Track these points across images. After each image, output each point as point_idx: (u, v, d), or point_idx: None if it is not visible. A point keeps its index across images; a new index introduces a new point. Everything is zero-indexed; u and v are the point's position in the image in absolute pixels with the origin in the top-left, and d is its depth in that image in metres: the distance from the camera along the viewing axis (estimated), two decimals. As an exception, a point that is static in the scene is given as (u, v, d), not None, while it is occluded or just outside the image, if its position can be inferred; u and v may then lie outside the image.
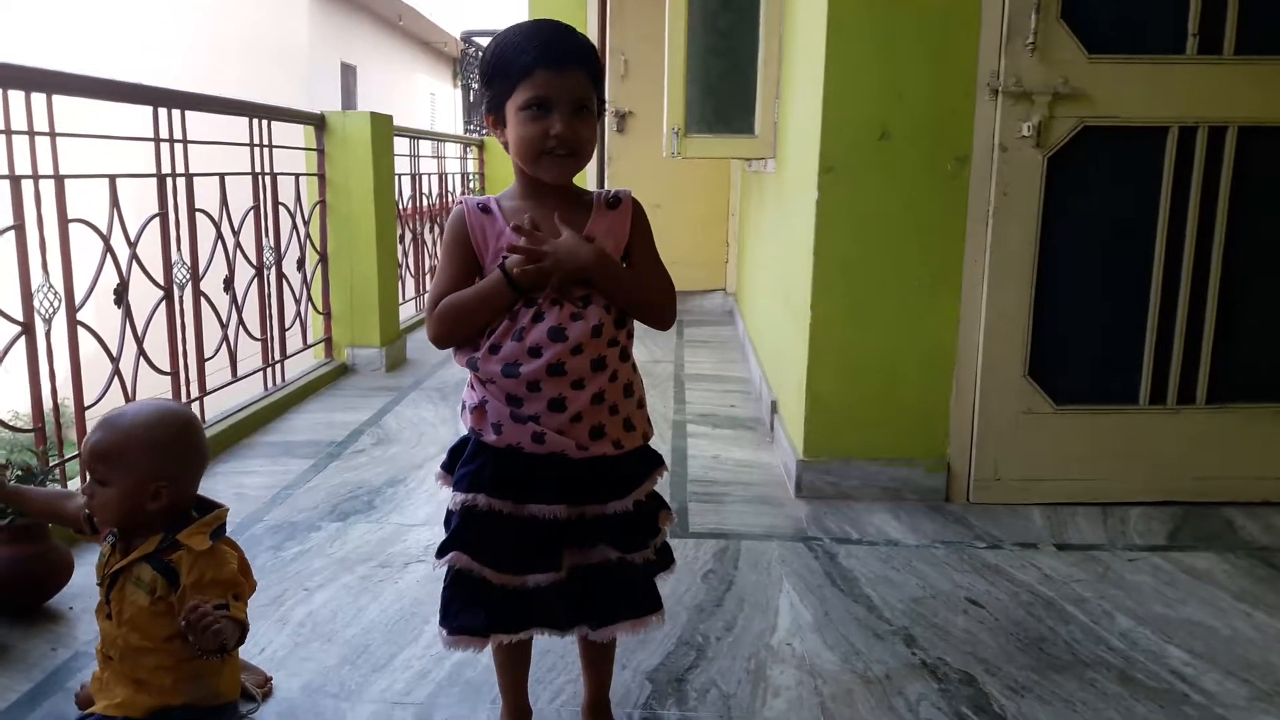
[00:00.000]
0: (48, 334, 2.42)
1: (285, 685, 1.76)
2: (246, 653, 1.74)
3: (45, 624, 1.98)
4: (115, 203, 2.79)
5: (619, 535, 1.45)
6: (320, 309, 4.37)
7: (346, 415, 3.63)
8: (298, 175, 4.14)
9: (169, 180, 3.05)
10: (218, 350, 3.43)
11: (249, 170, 3.70)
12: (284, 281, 3.99)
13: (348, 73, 15.07)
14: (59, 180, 2.49)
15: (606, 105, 1.46)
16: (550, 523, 1.42)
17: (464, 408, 1.48)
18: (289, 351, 4.03)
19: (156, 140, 3.01)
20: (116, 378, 2.78)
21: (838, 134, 2.56)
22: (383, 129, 4.41)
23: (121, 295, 2.81)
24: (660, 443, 1.55)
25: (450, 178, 6.85)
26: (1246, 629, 1.99)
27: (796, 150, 2.99)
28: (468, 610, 1.44)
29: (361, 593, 2.14)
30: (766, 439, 3.31)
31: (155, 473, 1.40)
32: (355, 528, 2.51)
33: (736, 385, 4.12)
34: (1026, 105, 2.50)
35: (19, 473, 2.16)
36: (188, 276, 3.15)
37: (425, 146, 6.25)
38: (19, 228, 2.36)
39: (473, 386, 1.46)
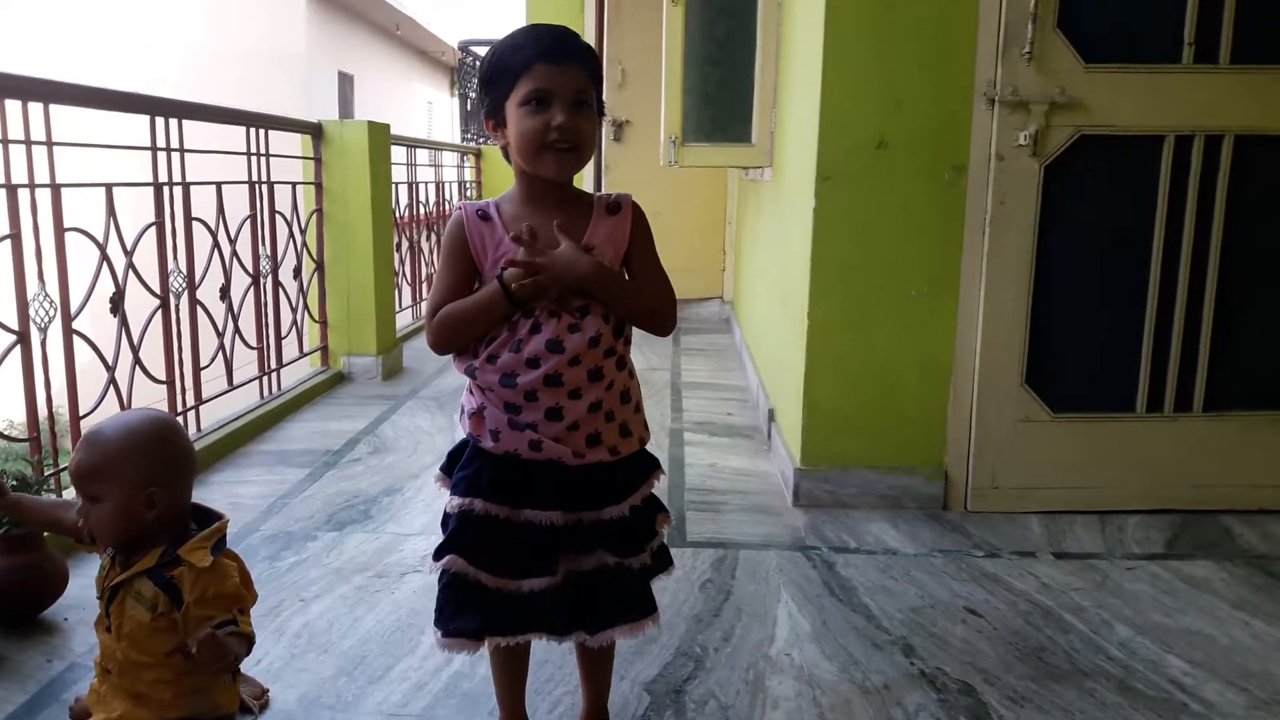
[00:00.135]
0: (43, 343, 2.42)
1: (282, 697, 1.75)
2: (244, 664, 1.72)
3: (40, 635, 1.97)
4: (112, 211, 2.79)
5: (615, 541, 1.45)
6: (317, 317, 4.36)
7: (343, 424, 3.62)
8: (295, 184, 4.14)
9: (165, 189, 3.05)
10: (214, 359, 3.42)
11: (246, 179, 3.69)
12: (280, 290, 3.98)
13: (345, 82, 15.09)
14: (55, 189, 2.49)
15: (605, 112, 1.46)
16: (546, 528, 1.42)
17: (462, 412, 1.48)
18: (285, 360, 4.02)
19: (153, 149, 3.01)
20: (112, 386, 2.77)
21: (835, 143, 2.57)
22: (380, 138, 4.41)
23: (117, 304, 2.80)
24: (657, 451, 1.54)
25: (447, 186, 6.86)
26: (1245, 638, 1.99)
27: (794, 159, 3.00)
28: (463, 613, 1.44)
29: (358, 603, 2.13)
30: (764, 447, 3.30)
31: (143, 480, 1.39)
32: (351, 537, 2.50)
33: (734, 393, 4.11)
34: (1023, 114, 2.50)
35: (13, 482, 2.15)
36: (184, 285, 3.14)
37: (422, 155, 6.25)
38: (15, 237, 2.36)
39: (471, 392, 1.47)
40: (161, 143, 3.03)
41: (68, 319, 2.52)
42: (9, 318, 2.35)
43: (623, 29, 5.99)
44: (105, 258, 2.76)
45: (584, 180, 5.90)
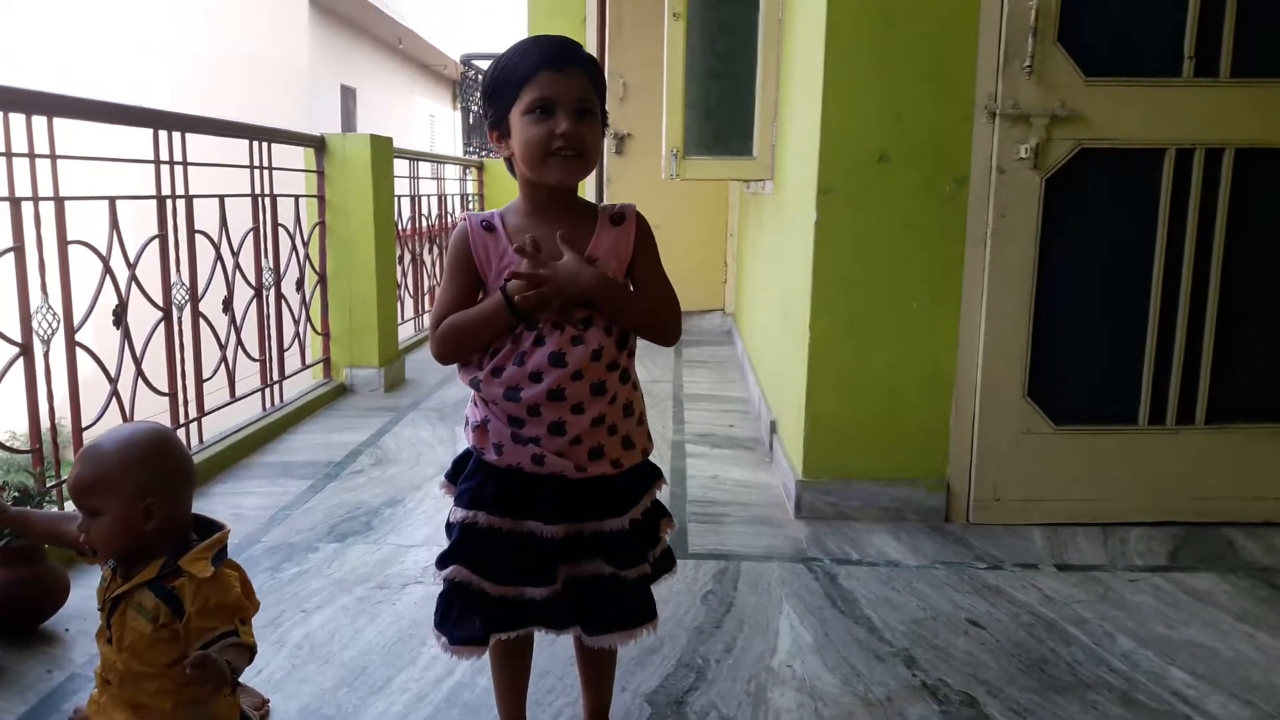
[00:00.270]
0: (46, 355, 2.42)
1: (283, 708, 1.75)
2: (244, 675, 1.72)
3: (41, 646, 1.97)
4: (115, 224, 2.80)
5: (613, 552, 1.46)
6: (319, 329, 4.37)
7: (345, 436, 3.62)
8: (297, 197, 4.15)
9: (169, 202, 3.06)
10: (216, 371, 3.43)
11: (249, 192, 3.71)
12: (283, 302, 3.99)
13: (348, 95, 15.15)
14: (59, 202, 2.50)
15: (609, 122, 1.47)
16: (548, 540, 1.43)
17: (467, 424, 1.49)
18: (287, 372, 4.03)
19: (156, 162, 3.02)
20: (114, 398, 2.78)
21: (836, 156, 2.57)
22: (382, 151, 4.43)
23: (120, 316, 2.81)
24: (659, 463, 1.55)
25: (449, 199, 6.88)
26: (1249, 650, 1.98)
27: (795, 172, 3.01)
28: (467, 619, 1.45)
29: (359, 614, 2.13)
30: (766, 459, 3.30)
31: (141, 491, 1.39)
32: (353, 549, 2.50)
33: (735, 405, 4.11)
34: (1024, 127, 2.51)
35: (16, 494, 2.15)
36: (186, 297, 3.15)
37: (425, 168, 6.28)
38: (19, 249, 2.37)
39: (476, 404, 1.47)
40: (165, 156, 3.04)
41: (70, 331, 2.53)
42: (12, 330, 2.36)
43: (624, 43, 6.02)
44: (108, 270, 2.77)
45: (586, 192, 5.92)
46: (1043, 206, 2.54)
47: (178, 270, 3.11)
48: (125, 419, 2.75)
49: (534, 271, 1.36)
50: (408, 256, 5.73)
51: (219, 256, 3.47)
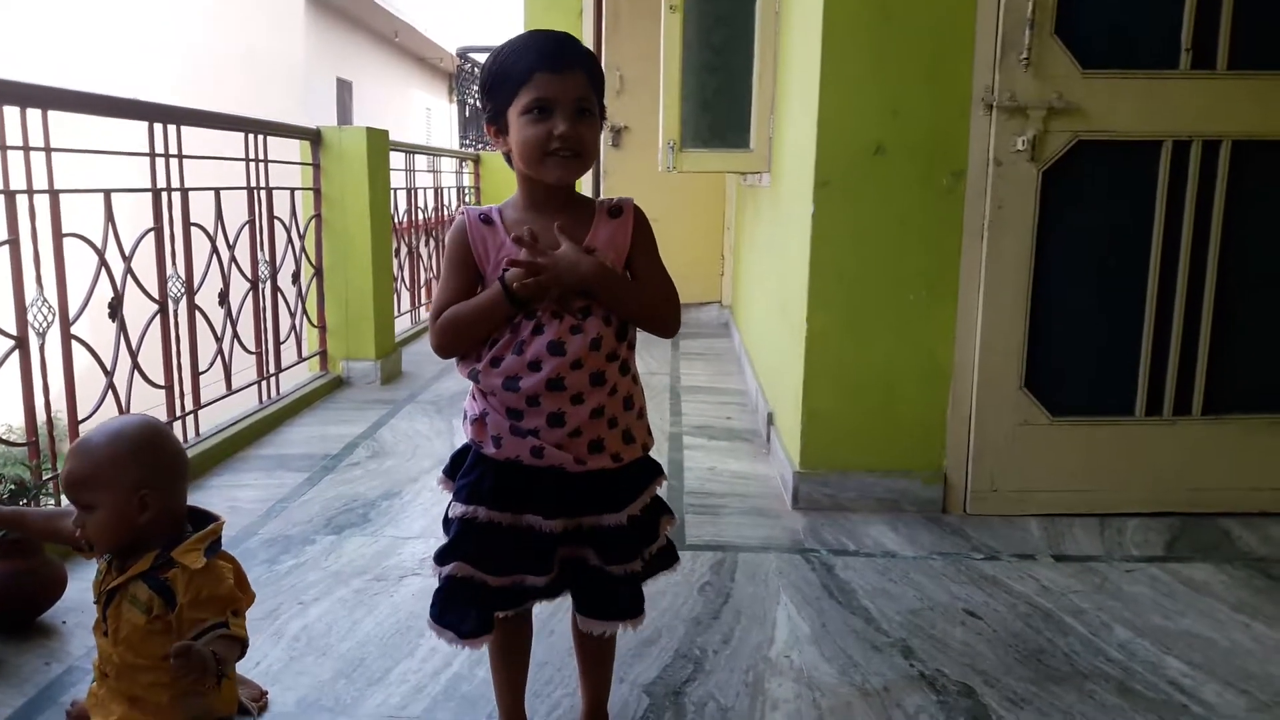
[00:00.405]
0: (41, 348, 2.41)
1: (281, 699, 1.75)
2: (242, 666, 1.73)
3: (38, 639, 1.97)
4: (110, 217, 2.79)
5: (605, 547, 1.46)
6: (315, 322, 4.36)
7: (341, 428, 3.62)
8: (293, 190, 4.14)
9: (164, 195, 3.05)
10: (212, 364, 3.42)
11: (245, 185, 3.70)
12: (279, 295, 3.99)
13: (344, 88, 15.11)
14: (54, 195, 2.49)
15: (606, 115, 1.47)
16: (547, 534, 1.43)
17: (465, 418, 1.49)
18: (284, 365, 4.02)
19: (152, 155, 3.01)
20: (110, 391, 2.77)
21: (833, 149, 2.57)
22: (378, 144, 4.42)
23: (116, 309, 2.80)
24: (657, 455, 1.55)
25: (446, 192, 6.87)
26: (1245, 640, 1.99)
27: (792, 165, 3.00)
28: (471, 613, 1.45)
29: (357, 606, 2.13)
30: (763, 451, 3.30)
31: (135, 483, 1.39)
32: (350, 541, 2.50)
33: (733, 397, 4.11)
34: (1021, 120, 2.51)
35: (12, 487, 2.15)
36: (182, 290, 3.15)
37: (421, 161, 6.26)
38: (13, 242, 2.36)
39: (474, 398, 1.47)
40: (160, 148, 3.03)
41: (66, 324, 2.52)
42: (8, 323, 2.35)
43: (621, 36, 6.01)
44: (104, 263, 2.76)
45: (583, 186, 5.90)
46: (1040, 199, 2.54)
47: (173, 263, 3.10)
48: (121, 412, 2.74)
49: (532, 259, 1.36)
50: (404, 249, 5.73)
51: (215, 249, 3.46)
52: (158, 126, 3.02)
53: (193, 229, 3.21)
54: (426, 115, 20.04)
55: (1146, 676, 1.84)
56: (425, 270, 6.27)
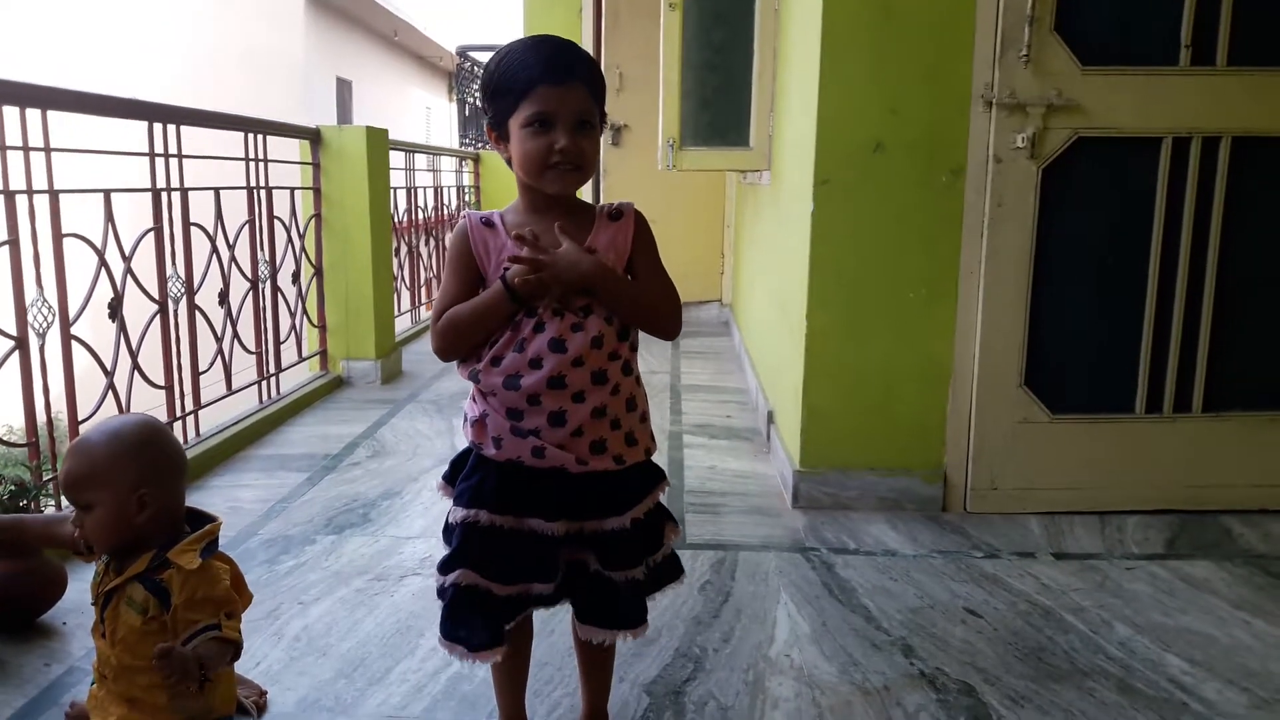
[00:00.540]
0: (41, 348, 2.42)
1: (280, 699, 1.75)
2: (242, 667, 1.73)
3: (39, 639, 1.97)
4: (110, 217, 2.79)
5: (609, 552, 1.46)
6: (315, 322, 4.36)
7: (342, 428, 3.62)
8: (293, 189, 4.14)
9: (164, 194, 3.05)
10: (212, 364, 3.42)
11: (244, 184, 3.70)
12: (279, 295, 3.99)
13: (343, 87, 15.11)
14: (53, 195, 2.49)
15: (606, 120, 1.47)
16: (550, 537, 1.43)
17: (465, 421, 1.48)
18: (284, 365, 4.02)
19: (151, 155, 3.01)
20: (110, 391, 2.77)
21: (832, 147, 2.57)
22: (378, 143, 4.41)
23: (116, 309, 2.81)
24: (657, 454, 1.55)
25: (446, 191, 6.86)
26: (1245, 637, 1.99)
27: (792, 163, 3.00)
28: (480, 626, 1.44)
29: (357, 606, 2.13)
30: (763, 449, 3.30)
31: (134, 483, 1.39)
32: (350, 541, 2.50)
33: (733, 396, 4.11)
34: (1021, 117, 2.51)
35: (12, 488, 2.15)
36: (182, 290, 3.15)
37: (421, 160, 6.26)
38: (13, 243, 2.36)
39: (474, 400, 1.47)
40: (159, 148, 3.03)
41: (66, 324, 2.52)
42: (8, 323, 2.35)
43: (620, 34, 6.00)
44: (103, 263, 2.76)
45: (583, 188, 5.90)
46: (1039, 196, 2.54)
47: (173, 263, 3.10)
48: (121, 412, 2.74)
49: (533, 256, 1.36)
50: (404, 249, 5.73)
51: (215, 249, 3.46)
52: (157, 126, 3.02)
53: (192, 229, 3.21)
54: (426, 114, 20.04)
55: (1147, 674, 1.84)
56: (425, 269, 6.27)
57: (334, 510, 2.72)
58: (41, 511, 2.47)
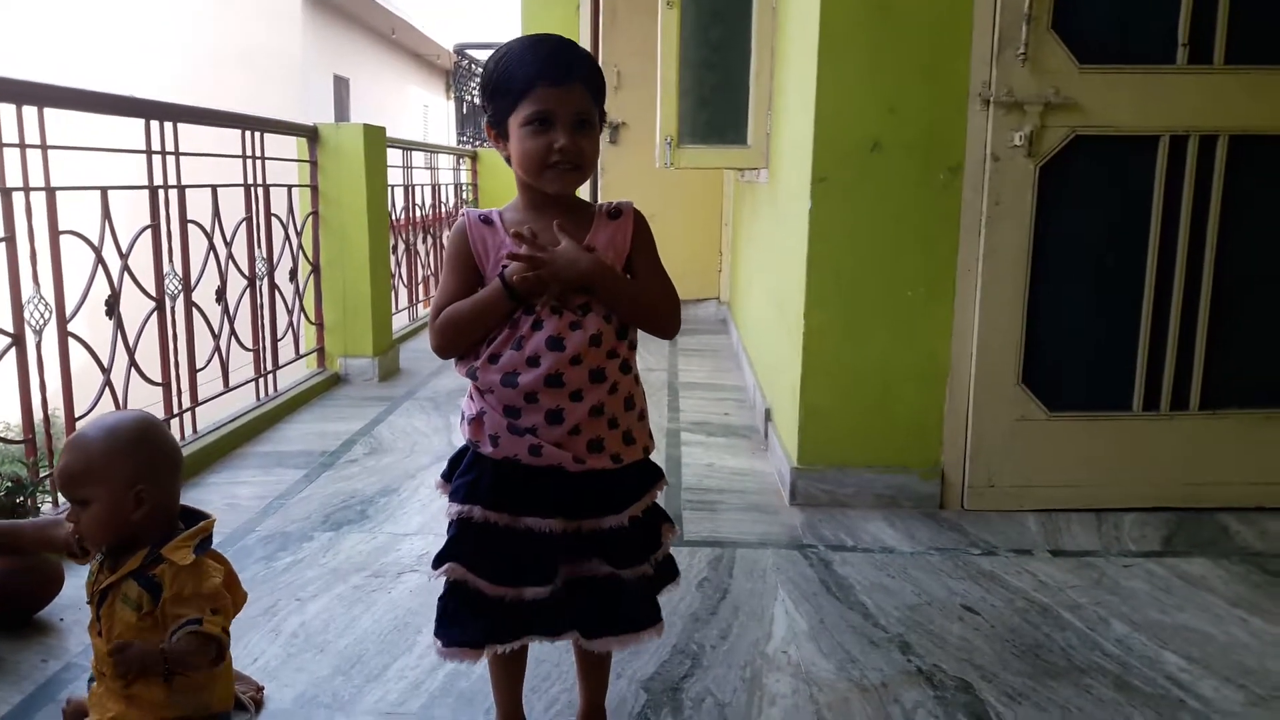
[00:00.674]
0: (38, 345, 2.41)
1: (278, 696, 1.75)
2: (239, 663, 1.73)
3: (36, 636, 1.97)
4: (107, 214, 2.79)
5: (611, 551, 1.45)
6: (313, 319, 4.36)
7: (339, 425, 3.62)
8: (290, 187, 4.14)
9: (161, 192, 3.05)
10: (209, 361, 3.42)
11: (242, 182, 3.69)
12: (276, 292, 3.98)
13: (341, 85, 15.10)
14: (50, 192, 2.49)
15: (605, 118, 1.47)
16: (546, 536, 1.42)
17: (463, 419, 1.48)
18: (281, 362, 4.02)
19: (148, 152, 3.00)
20: (108, 389, 2.77)
21: (830, 145, 2.57)
22: (376, 141, 4.41)
23: (113, 306, 2.80)
24: (655, 452, 1.55)
25: (443, 189, 6.86)
26: (1242, 634, 1.99)
27: (789, 161, 3.00)
28: (463, 623, 1.44)
29: (354, 603, 2.13)
30: (761, 447, 3.30)
31: (130, 479, 1.39)
32: (348, 538, 2.50)
33: (731, 393, 4.12)
34: (1018, 115, 2.51)
35: (9, 484, 2.15)
36: (179, 287, 3.14)
37: (418, 158, 6.26)
38: (10, 240, 2.36)
39: (471, 397, 1.46)
40: (157, 146, 3.02)
41: (63, 321, 2.52)
42: (4, 321, 2.35)
43: (618, 32, 6.00)
44: (100, 260, 2.76)
45: (583, 186, 5.90)
46: (1037, 194, 2.54)
47: (170, 260, 3.10)
48: (118, 409, 2.74)
49: (532, 254, 1.36)
50: (401, 246, 5.73)
51: (212, 247, 3.46)
52: (154, 124, 3.01)
53: (190, 226, 3.21)
54: (424, 112, 20.03)
55: (1144, 671, 1.85)
56: (423, 267, 6.27)
57: (331, 507, 2.72)
58: (39, 508, 2.47)
